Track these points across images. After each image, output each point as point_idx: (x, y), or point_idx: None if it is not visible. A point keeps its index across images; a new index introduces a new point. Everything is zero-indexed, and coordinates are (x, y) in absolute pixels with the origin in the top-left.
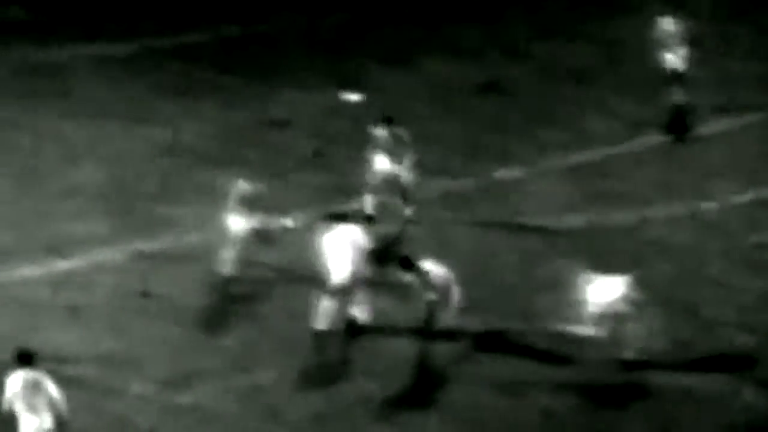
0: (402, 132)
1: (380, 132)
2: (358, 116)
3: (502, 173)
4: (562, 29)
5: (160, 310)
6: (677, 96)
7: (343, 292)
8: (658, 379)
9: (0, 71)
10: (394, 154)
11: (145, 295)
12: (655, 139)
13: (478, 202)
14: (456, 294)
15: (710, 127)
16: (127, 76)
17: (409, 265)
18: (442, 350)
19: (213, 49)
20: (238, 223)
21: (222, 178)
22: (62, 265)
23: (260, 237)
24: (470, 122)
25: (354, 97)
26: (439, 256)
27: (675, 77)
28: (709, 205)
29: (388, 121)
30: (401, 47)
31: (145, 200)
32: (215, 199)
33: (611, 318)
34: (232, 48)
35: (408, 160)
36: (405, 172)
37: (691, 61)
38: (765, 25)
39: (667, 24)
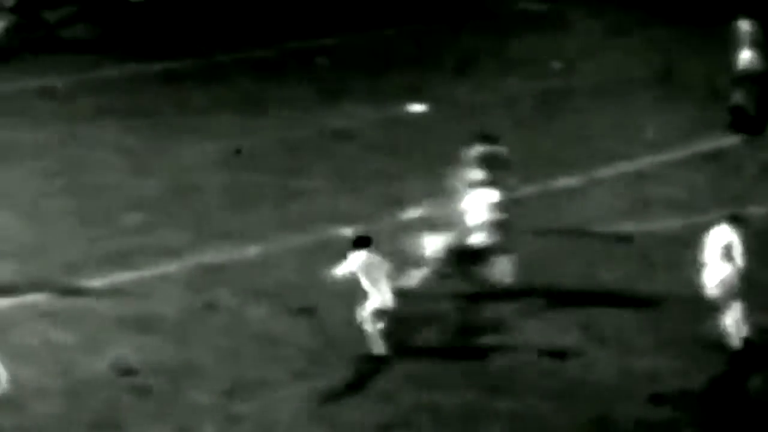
0: (502, 150)
1: (477, 150)
2: (422, 127)
3: (560, 181)
4: (622, 38)
5: (223, 321)
6: (746, 96)
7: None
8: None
9: (67, 87)
10: (490, 172)
11: (209, 306)
12: (707, 144)
13: (537, 209)
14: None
15: None
16: (193, 91)
17: (364, 244)
18: (500, 355)
19: (277, 63)
20: (433, 242)
21: (286, 191)
22: (128, 276)
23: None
24: (529, 131)
25: (418, 108)
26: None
27: (744, 78)
28: (759, 210)
29: (487, 139)
30: (464, 58)
31: (210, 212)
32: (280, 212)
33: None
34: (295, 62)
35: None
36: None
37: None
38: None
39: (742, 25)
